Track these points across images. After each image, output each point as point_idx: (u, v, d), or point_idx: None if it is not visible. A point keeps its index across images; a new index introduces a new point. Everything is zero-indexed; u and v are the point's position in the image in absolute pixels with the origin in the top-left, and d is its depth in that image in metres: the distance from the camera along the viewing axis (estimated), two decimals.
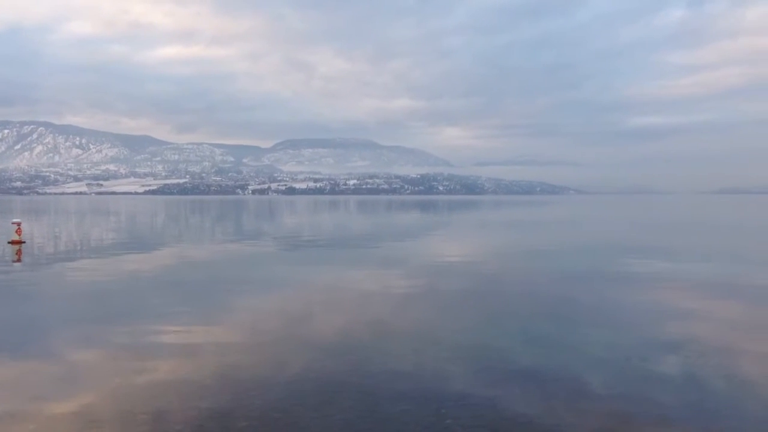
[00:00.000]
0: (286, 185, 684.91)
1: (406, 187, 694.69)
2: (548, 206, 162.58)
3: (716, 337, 14.76)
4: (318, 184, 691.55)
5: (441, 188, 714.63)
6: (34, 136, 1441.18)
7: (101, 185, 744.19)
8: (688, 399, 10.45)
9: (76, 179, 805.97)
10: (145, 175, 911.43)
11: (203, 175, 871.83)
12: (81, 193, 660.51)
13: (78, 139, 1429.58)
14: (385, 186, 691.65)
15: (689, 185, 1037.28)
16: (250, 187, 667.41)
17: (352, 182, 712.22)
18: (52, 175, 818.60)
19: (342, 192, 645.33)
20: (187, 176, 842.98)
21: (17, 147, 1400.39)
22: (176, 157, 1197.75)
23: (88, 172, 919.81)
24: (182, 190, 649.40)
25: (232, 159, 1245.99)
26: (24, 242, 38.98)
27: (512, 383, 11.24)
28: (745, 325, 16.20)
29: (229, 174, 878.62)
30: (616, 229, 62.17)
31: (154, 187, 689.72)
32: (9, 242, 38.46)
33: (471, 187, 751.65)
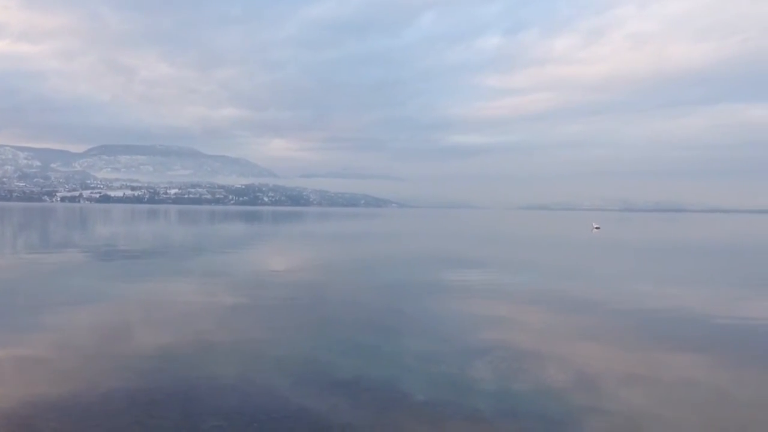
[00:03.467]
0: (100, 193, 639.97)
1: (230, 197, 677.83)
2: (372, 219, 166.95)
3: (519, 342, 16.05)
4: (135, 193, 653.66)
5: (266, 199, 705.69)
6: None
7: None
8: (495, 401, 11.33)
9: None
10: None
11: (4, 180, 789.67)
12: None
13: None
14: (209, 196, 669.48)
15: (501, 201, 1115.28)
16: (59, 194, 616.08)
17: (173, 191, 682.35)
18: None
19: (162, 201, 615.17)
20: None
21: None
22: None
23: None
24: None
25: (38, 163, 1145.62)
26: None
27: (330, 394, 11.52)
28: (543, 331, 17.74)
29: (35, 180, 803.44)
30: (434, 242, 65.33)
31: None
32: None
33: (296, 198, 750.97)
